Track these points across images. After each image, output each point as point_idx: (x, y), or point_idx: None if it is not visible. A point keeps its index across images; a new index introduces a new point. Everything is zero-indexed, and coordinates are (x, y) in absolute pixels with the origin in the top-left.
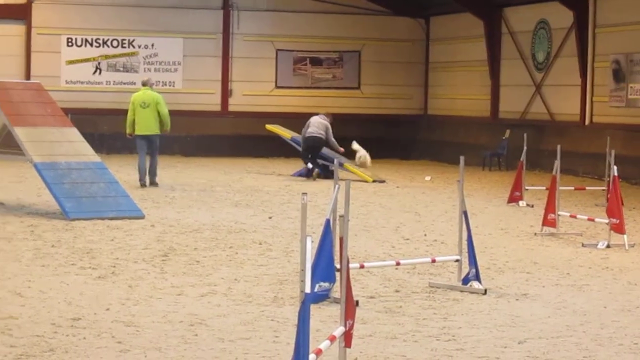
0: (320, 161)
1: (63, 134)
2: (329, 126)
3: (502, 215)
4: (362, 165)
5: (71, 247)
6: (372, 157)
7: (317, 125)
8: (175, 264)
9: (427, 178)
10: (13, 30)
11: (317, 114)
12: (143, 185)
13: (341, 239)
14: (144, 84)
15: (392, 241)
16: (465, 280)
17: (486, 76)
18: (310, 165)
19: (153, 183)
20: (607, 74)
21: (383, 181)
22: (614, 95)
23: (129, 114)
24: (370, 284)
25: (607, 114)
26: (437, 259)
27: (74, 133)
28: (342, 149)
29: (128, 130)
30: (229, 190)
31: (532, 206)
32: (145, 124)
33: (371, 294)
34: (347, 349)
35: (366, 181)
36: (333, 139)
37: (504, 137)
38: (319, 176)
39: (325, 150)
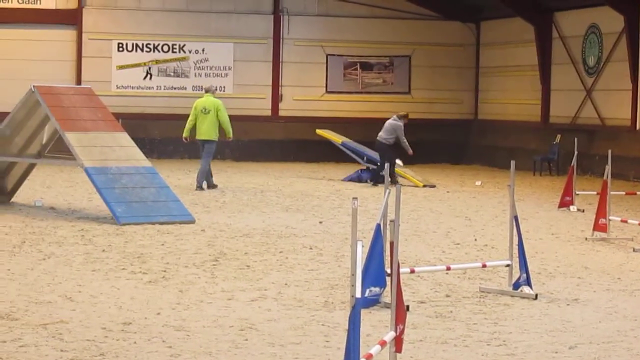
0: (370, 166)
1: (114, 139)
2: (401, 126)
3: (553, 220)
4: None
5: (122, 251)
6: (423, 161)
7: (386, 129)
8: (226, 269)
9: (478, 183)
10: (64, 36)
11: (386, 118)
12: (213, 186)
13: (392, 244)
14: (207, 91)
15: (442, 246)
16: (516, 285)
17: (537, 81)
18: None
19: (200, 187)
20: None
21: (433, 186)
22: None
23: (190, 118)
24: (420, 289)
25: None
26: (487, 263)
27: (124, 138)
28: (410, 151)
29: (184, 134)
30: (279, 195)
31: (583, 211)
32: (203, 129)
33: (422, 298)
34: (398, 354)
35: (417, 186)
36: (404, 140)
37: (554, 142)
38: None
39: (372, 154)
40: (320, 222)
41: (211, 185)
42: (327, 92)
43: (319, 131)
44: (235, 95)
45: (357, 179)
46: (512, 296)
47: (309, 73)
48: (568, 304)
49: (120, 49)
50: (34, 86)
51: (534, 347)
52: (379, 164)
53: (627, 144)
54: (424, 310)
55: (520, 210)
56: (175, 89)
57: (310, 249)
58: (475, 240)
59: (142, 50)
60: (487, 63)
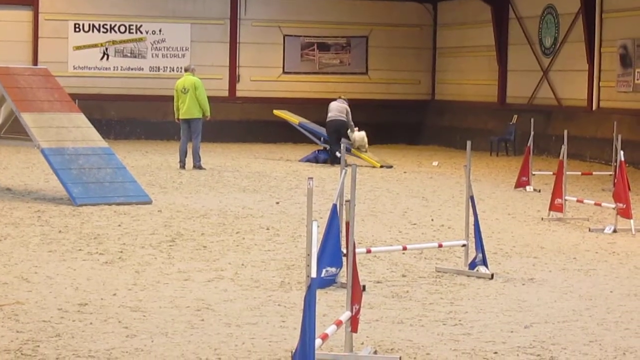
0: (328, 146)
1: (70, 120)
2: (349, 109)
3: (509, 200)
4: (362, 146)
5: (78, 232)
6: (380, 142)
7: (338, 109)
8: (183, 249)
9: (435, 163)
10: (20, 16)
11: (334, 99)
12: (182, 167)
13: (347, 224)
14: (186, 70)
15: (399, 226)
16: (472, 265)
17: (494, 61)
18: (338, 154)
19: (196, 167)
20: (615, 59)
21: (390, 166)
22: (621, 80)
23: (175, 100)
24: (377, 269)
25: (614, 99)
26: (444, 243)
27: (81, 119)
28: (356, 130)
29: (176, 116)
30: (236, 176)
31: (539, 191)
32: (185, 109)
33: (378, 278)
34: (354, 334)
35: (374, 166)
36: (351, 122)
37: (511, 122)
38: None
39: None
40: (277, 203)
41: (195, 166)
42: (284, 72)
43: (276, 112)
44: None
45: (315, 159)
46: (468, 276)
47: (266, 54)
48: (524, 284)
49: (77, 29)
50: None
51: (490, 327)
52: (332, 143)
53: (583, 124)
54: (380, 290)
55: (477, 191)
56: (132, 69)
57: (267, 229)
58: (432, 220)
59: (98, 31)
60: (444, 44)
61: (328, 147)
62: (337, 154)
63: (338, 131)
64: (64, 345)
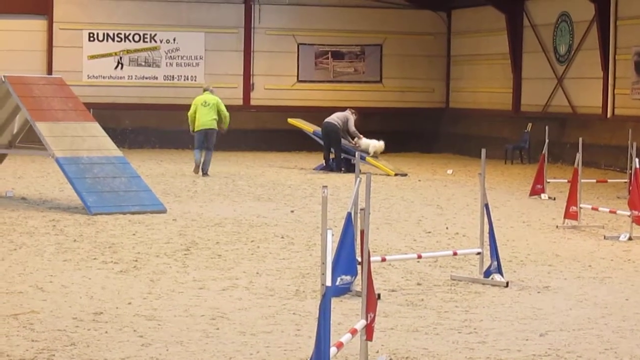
0: (342, 155)
1: (85, 129)
2: (350, 117)
3: (524, 208)
4: (376, 153)
5: (93, 241)
6: (395, 150)
7: (337, 115)
8: (197, 258)
9: (449, 171)
10: (35, 26)
11: (344, 109)
12: (196, 172)
13: (362, 232)
14: (205, 90)
15: (413, 234)
16: (487, 273)
17: (508, 69)
18: (325, 163)
19: (205, 173)
20: (629, 66)
21: (405, 174)
22: (636, 87)
23: (190, 113)
24: (392, 277)
25: (629, 106)
26: (458, 251)
27: (95, 128)
28: (354, 143)
29: (191, 128)
30: (251, 184)
31: (554, 199)
32: (204, 120)
33: (393, 287)
34: (369, 342)
35: (388, 174)
36: (354, 129)
37: (526, 130)
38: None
39: (346, 143)
40: (292, 211)
41: (204, 173)
42: (298, 81)
43: (290, 120)
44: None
45: (329, 168)
46: (483, 284)
47: (281, 62)
48: (539, 292)
49: (91, 38)
50: (4, 76)
51: (505, 335)
52: (325, 147)
53: (598, 131)
54: (395, 299)
55: (492, 199)
56: (146, 78)
57: (282, 238)
58: (447, 228)
59: (113, 40)
60: (459, 51)
61: (343, 155)
62: (331, 161)
63: (328, 135)
64: (79, 354)
